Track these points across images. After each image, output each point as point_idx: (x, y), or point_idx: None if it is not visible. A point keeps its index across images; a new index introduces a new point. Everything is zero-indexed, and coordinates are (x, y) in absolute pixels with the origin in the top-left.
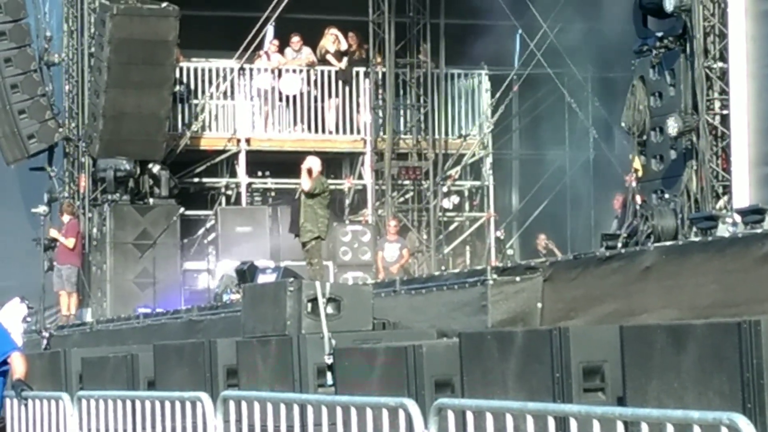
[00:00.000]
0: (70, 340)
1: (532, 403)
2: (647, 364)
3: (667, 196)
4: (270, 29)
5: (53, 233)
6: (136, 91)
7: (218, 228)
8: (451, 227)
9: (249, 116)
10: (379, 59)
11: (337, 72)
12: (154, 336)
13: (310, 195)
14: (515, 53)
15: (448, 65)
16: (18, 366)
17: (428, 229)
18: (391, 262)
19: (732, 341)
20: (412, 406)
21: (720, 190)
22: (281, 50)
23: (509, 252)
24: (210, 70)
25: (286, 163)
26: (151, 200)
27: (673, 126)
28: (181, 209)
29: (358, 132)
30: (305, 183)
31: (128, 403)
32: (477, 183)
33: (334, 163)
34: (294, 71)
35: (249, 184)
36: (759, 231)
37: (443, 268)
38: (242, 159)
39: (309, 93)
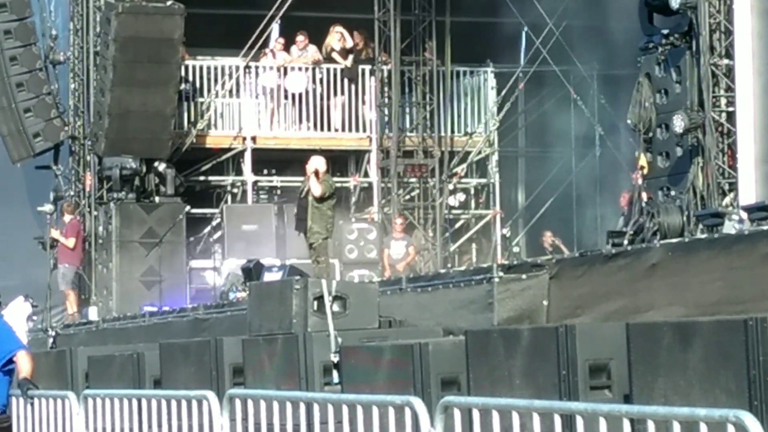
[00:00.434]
0: (76, 339)
1: (538, 400)
2: (654, 362)
3: (673, 193)
4: (275, 27)
5: (54, 233)
6: (142, 90)
7: (224, 226)
8: (457, 225)
9: (255, 114)
10: (385, 57)
11: (342, 70)
12: (160, 334)
13: (320, 199)
14: (521, 50)
15: (453, 63)
16: (24, 365)
17: (434, 226)
18: (397, 260)
19: (738, 338)
20: (418, 404)
21: (726, 187)
22: (287, 48)
23: (515, 249)
24: (216, 69)
25: (291, 161)
26: (156, 198)
27: (679, 123)
28: (187, 207)
29: (364, 130)
30: (315, 188)
31: (134, 402)
32: (483, 180)
33: (340, 160)
34: (300, 69)
35: (255, 182)
36: (765, 228)
37: (449, 265)
38: (248, 157)
39: (315, 91)
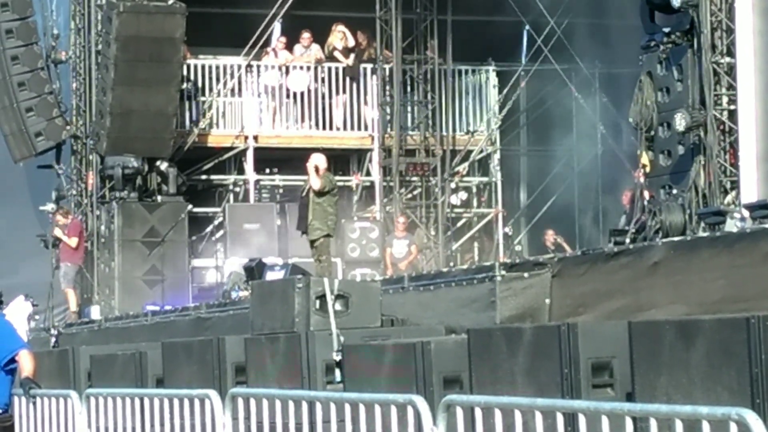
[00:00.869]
0: (79, 338)
1: (540, 399)
2: (656, 360)
3: (675, 191)
4: (277, 26)
5: (57, 232)
6: (143, 89)
7: (226, 225)
8: (459, 223)
9: (257, 113)
10: (387, 55)
11: (344, 69)
12: (163, 333)
13: (320, 193)
14: (522, 49)
15: (455, 61)
16: (26, 364)
17: (436, 225)
18: (400, 259)
19: (740, 337)
20: (420, 402)
21: (728, 186)
22: (289, 47)
23: (517, 248)
24: (218, 68)
25: (293, 160)
26: (159, 197)
27: (680, 121)
28: (189, 206)
29: (366, 128)
30: (315, 182)
31: (137, 401)
32: (485, 179)
33: (342, 159)
34: (301, 68)
35: (257, 181)
36: (767, 226)
37: (451, 264)
38: (250, 156)
39: (316, 90)
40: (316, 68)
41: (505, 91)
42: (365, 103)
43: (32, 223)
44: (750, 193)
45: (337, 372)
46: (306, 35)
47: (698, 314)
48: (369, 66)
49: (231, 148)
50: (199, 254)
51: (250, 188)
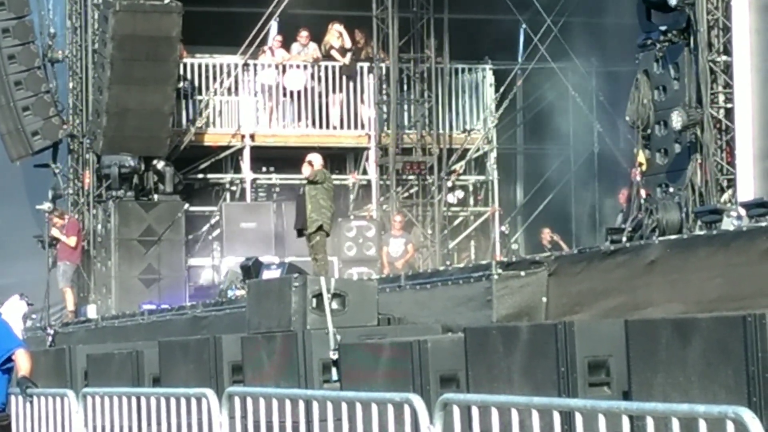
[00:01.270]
0: (75, 337)
1: (537, 397)
2: (652, 359)
3: (671, 189)
4: (274, 25)
5: (55, 232)
6: (140, 88)
7: (223, 224)
8: (456, 222)
9: (253, 112)
10: (383, 54)
11: (341, 67)
12: (159, 332)
13: (312, 182)
14: (519, 47)
15: (452, 60)
16: (23, 363)
17: (433, 224)
18: (396, 258)
19: (737, 335)
20: (417, 401)
21: (724, 184)
22: (285, 46)
23: (514, 247)
24: (214, 66)
25: (290, 159)
26: (155, 196)
27: (677, 120)
28: (186, 205)
29: (362, 127)
30: (305, 170)
31: (133, 400)
32: (481, 178)
33: (339, 158)
34: (298, 67)
35: (253, 180)
36: (764, 224)
37: (448, 263)
38: (246, 155)
39: (313, 88)
40: (312, 67)
41: (501, 89)
42: (362, 101)
43: (29, 222)
44: (746, 191)
45: (334, 371)
46: (304, 33)
47: (695, 312)
48: (366, 65)
49: (228, 147)
50: (195, 253)
51: (246, 187)
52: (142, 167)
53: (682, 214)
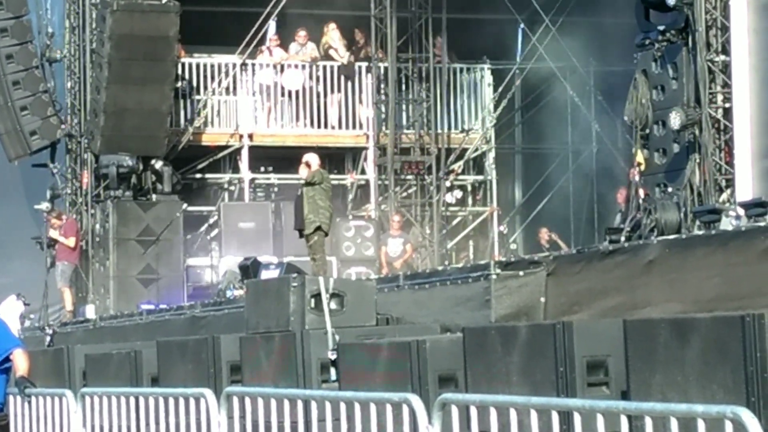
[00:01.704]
0: (74, 337)
1: (536, 397)
2: (651, 358)
3: (670, 189)
4: (272, 25)
5: (53, 234)
6: (137, 87)
7: (221, 224)
8: (455, 222)
9: (251, 112)
10: (381, 54)
11: (339, 67)
12: (158, 332)
13: (310, 184)
14: (517, 47)
15: (450, 59)
16: (21, 363)
17: (431, 223)
18: (395, 257)
19: (735, 335)
20: (415, 401)
21: (723, 184)
22: (283, 45)
23: (512, 246)
24: (212, 66)
25: (288, 159)
26: (153, 196)
27: (675, 119)
28: (184, 205)
29: (361, 127)
30: (302, 172)
31: (132, 400)
32: (480, 177)
33: (337, 158)
34: (296, 66)
35: (252, 180)
36: (762, 224)
37: (446, 262)
38: (245, 154)
39: (311, 88)
40: (311, 67)
41: (500, 89)
42: (360, 101)
43: (27, 222)
44: (745, 191)
45: (332, 371)
46: (302, 33)
47: (693, 312)
48: (364, 64)
49: (226, 147)
50: (194, 253)
51: (245, 187)
52: (141, 167)
53: (681, 213)
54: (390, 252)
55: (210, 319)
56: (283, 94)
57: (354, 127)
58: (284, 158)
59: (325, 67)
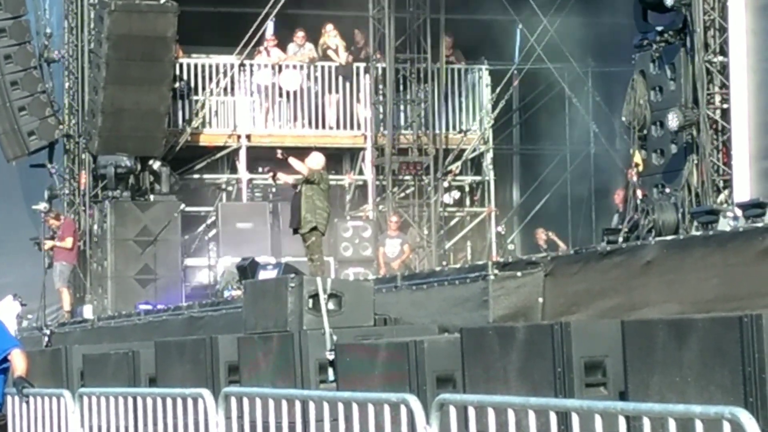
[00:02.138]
0: (72, 337)
1: (533, 398)
2: (649, 359)
3: (668, 190)
4: (270, 25)
5: (49, 244)
6: (135, 88)
7: (219, 224)
8: (452, 222)
9: (249, 112)
10: (379, 54)
11: (337, 68)
12: (156, 333)
13: (309, 182)
14: (515, 48)
15: (448, 60)
16: (19, 363)
17: (429, 224)
18: (392, 258)
19: (733, 335)
20: (413, 401)
21: (721, 184)
22: (281, 46)
23: (510, 247)
24: (210, 66)
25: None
26: (151, 197)
27: (673, 120)
28: (182, 205)
29: (359, 127)
30: (299, 166)
31: (129, 400)
32: (478, 178)
33: (335, 158)
34: (294, 67)
35: (249, 180)
36: (760, 225)
37: (444, 263)
38: (243, 155)
39: (309, 89)
40: (308, 67)
41: (498, 90)
42: (358, 102)
43: (25, 222)
44: (743, 191)
45: (330, 371)
46: (300, 34)
47: (691, 313)
48: (362, 65)
49: (223, 147)
50: (191, 253)
51: (242, 187)
52: (138, 167)
53: (679, 214)
54: (388, 252)
55: (208, 319)
56: (280, 95)
57: (352, 127)
58: (282, 159)
59: (323, 68)
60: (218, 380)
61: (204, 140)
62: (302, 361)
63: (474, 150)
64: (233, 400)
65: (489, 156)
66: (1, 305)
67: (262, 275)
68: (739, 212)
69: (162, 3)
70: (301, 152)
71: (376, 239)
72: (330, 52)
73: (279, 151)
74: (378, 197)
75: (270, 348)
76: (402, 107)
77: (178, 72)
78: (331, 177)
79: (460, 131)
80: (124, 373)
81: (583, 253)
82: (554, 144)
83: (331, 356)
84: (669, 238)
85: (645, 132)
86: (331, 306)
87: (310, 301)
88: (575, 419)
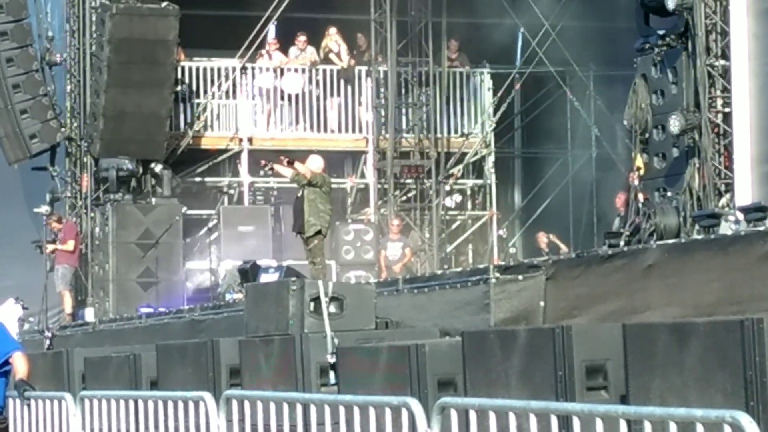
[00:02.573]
0: (73, 340)
1: (535, 401)
2: (650, 363)
3: (669, 194)
4: (272, 28)
5: (51, 247)
6: (137, 91)
7: (220, 227)
8: (454, 226)
9: (251, 115)
10: (381, 58)
11: (339, 71)
12: (157, 336)
13: (311, 185)
14: (517, 51)
15: (453, 64)
16: (20, 366)
17: (431, 227)
18: (394, 261)
19: (735, 339)
20: (415, 405)
21: (722, 188)
22: (283, 49)
23: (512, 250)
24: (212, 70)
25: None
26: (153, 200)
27: (675, 124)
28: (184, 209)
29: (360, 131)
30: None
31: (131, 403)
32: (479, 181)
33: (337, 161)
34: (296, 70)
35: (251, 183)
36: (761, 229)
37: (446, 266)
38: (244, 158)
39: (311, 92)
40: (310, 70)
41: (499, 93)
42: (360, 105)
43: (27, 225)
44: (744, 195)
45: (332, 374)
46: (302, 38)
47: (692, 317)
48: (364, 68)
49: (225, 151)
50: (193, 256)
51: (244, 190)
52: (140, 170)
53: (680, 218)
54: (389, 256)
55: (209, 322)
56: (282, 98)
57: (354, 130)
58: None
59: (324, 71)
60: (219, 383)
61: (206, 143)
62: (303, 364)
63: (476, 153)
64: (234, 403)
65: (491, 159)
66: (2, 308)
67: (264, 278)
68: (740, 216)
69: (163, 6)
70: (303, 156)
71: (378, 242)
72: (332, 56)
73: (284, 159)
74: (380, 200)
75: (271, 351)
76: (404, 110)
77: (179, 75)
78: (332, 180)
79: (462, 134)
80: (126, 376)
81: (585, 257)
82: (556, 147)
83: (332, 359)
84: (670, 241)
85: (646, 135)
86: (332, 309)
87: (312, 304)
88: (576, 423)
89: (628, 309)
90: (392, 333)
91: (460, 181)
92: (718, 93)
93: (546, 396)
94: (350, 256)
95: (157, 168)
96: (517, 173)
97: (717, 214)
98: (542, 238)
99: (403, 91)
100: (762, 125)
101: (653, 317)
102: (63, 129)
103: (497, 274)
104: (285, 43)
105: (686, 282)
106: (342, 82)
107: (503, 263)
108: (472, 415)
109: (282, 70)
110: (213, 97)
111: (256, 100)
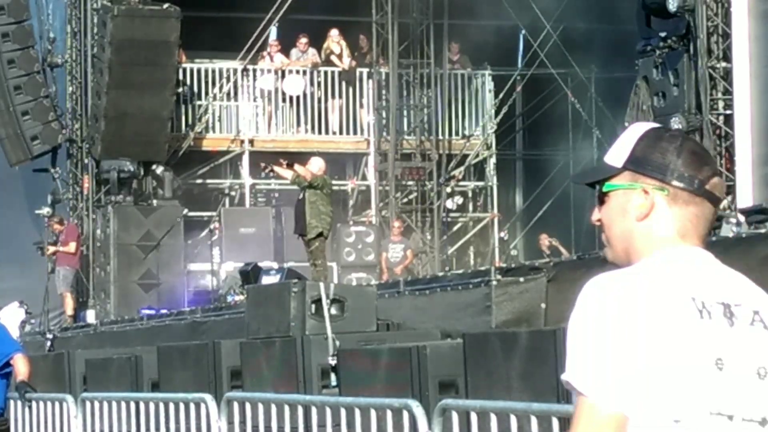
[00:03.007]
0: (74, 342)
1: (536, 403)
2: None
3: None
4: (273, 30)
5: (52, 249)
6: (138, 92)
7: (222, 229)
8: (455, 228)
9: (252, 117)
10: (382, 59)
11: (340, 73)
12: (158, 337)
13: (312, 187)
14: (519, 53)
15: (454, 66)
16: (21, 367)
17: (432, 229)
18: (395, 263)
19: None
20: (416, 407)
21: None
22: (284, 51)
23: (513, 252)
24: (213, 71)
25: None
26: (154, 201)
27: (676, 126)
28: (185, 210)
29: (362, 133)
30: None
31: (132, 405)
32: (481, 183)
33: (338, 163)
34: (297, 72)
35: (252, 185)
36: (763, 231)
37: (447, 268)
38: (246, 160)
39: (312, 94)
40: (311, 72)
41: (501, 95)
42: (361, 107)
43: (28, 227)
44: (746, 197)
45: (333, 376)
46: (303, 40)
47: None
48: (365, 70)
49: (227, 152)
50: (194, 258)
51: (245, 192)
52: (141, 172)
53: None
54: (391, 258)
55: (210, 324)
56: (284, 100)
57: (355, 132)
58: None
59: (326, 73)
60: (221, 385)
61: (207, 145)
62: (305, 366)
63: (477, 155)
64: (236, 405)
65: (492, 161)
66: (6, 311)
67: (265, 280)
68: (741, 218)
69: (165, 8)
70: (304, 157)
71: (379, 244)
72: (333, 57)
73: (283, 162)
74: (381, 202)
75: (272, 353)
76: (405, 112)
77: (181, 77)
78: (334, 182)
79: (463, 136)
80: (127, 378)
81: (586, 259)
82: (557, 149)
83: (333, 361)
84: None
85: None
86: (333, 311)
87: (313, 306)
88: None
89: None
90: (393, 335)
91: (461, 183)
92: (720, 95)
93: (547, 398)
94: (351, 258)
95: (159, 170)
96: (519, 175)
97: (718, 217)
98: (544, 241)
99: (404, 92)
100: (763, 127)
101: None
102: (64, 131)
103: (499, 276)
104: (286, 44)
105: None
106: (343, 83)
107: (505, 265)
108: (473, 417)
109: (283, 72)
110: (214, 98)
111: (257, 102)
